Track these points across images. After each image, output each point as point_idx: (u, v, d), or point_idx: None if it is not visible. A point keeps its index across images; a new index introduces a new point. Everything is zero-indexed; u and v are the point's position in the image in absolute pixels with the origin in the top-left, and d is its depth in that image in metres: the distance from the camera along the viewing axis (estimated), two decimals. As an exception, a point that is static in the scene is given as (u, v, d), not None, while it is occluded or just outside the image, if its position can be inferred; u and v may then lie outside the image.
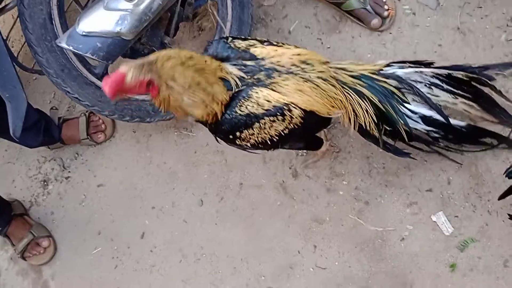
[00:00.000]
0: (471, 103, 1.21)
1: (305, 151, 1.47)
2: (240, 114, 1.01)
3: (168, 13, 1.33)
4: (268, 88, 1.01)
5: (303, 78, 1.03)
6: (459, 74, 1.17)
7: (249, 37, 1.12)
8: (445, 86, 1.18)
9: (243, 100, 1.00)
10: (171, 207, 1.61)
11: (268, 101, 1.00)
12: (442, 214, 1.32)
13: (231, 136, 1.06)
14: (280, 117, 1.02)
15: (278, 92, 1.01)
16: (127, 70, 0.88)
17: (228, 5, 1.49)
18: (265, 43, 1.07)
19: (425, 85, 1.17)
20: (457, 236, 1.31)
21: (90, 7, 1.17)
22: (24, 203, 1.84)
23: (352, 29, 1.51)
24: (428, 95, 1.17)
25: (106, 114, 1.43)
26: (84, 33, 1.14)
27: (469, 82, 1.18)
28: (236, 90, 1.01)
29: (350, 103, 1.10)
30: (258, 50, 1.05)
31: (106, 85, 0.86)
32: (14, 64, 1.25)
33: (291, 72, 1.03)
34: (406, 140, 1.20)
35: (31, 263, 1.74)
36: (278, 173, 1.50)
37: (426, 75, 1.17)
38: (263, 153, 1.52)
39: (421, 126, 1.19)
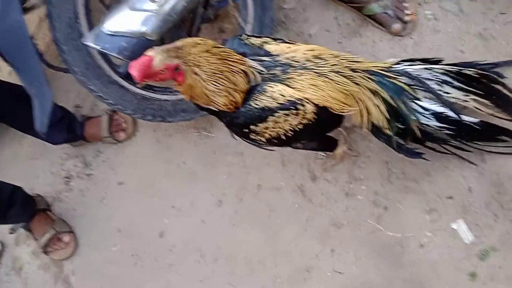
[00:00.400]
0: (482, 99, 1.18)
1: (323, 154, 1.47)
2: (255, 107, 1.02)
3: (191, 15, 1.36)
4: (284, 83, 1.03)
5: (317, 72, 1.04)
6: (469, 71, 1.15)
7: (263, 35, 1.14)
8: (456, 83, 1.16)
9: (258, 94, 1.02)
10: (190, 206, 1.62)
11: (282, 95, 1.02)
12: (463, 222, 1.30)
13: (246, 130, 1.08)
14: (294, 111, 1.03)
15: (293, 87, 1.03)
16: (155, 54, 0.89)
17: (250, 7, 1.50)
18: (278, 41, 1.10)
19: (436, 83, 1.16)
20: (477, 244, 1.29)
21: (115, 7, 1.20)
22: (47, 199, 1.88)
23: (373, 33, 1.50)
24: (440, 92, 1.16)
25: (128, 112, 1.46)
26: (110, 33, 1.17)
27: (479, 79, 1.16)
28: (253, 84, 1.02)
29: (362, 97, 1.09)
30: (273, 47, 1.08)
31: (133, 68, 0.88)
32: (40, 61, 1.28)
33: (306, 67, 1.05)
34: (419, 137, 1.18)
35: (52, 258, 1.77)
36: (296, 176, 1.50)
37: (436, 72, 1.16)
38: (282, 155, 1.52)
39: (433, 123, 1.17)
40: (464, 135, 1.21)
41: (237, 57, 1.00)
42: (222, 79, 0.97)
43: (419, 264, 1.30)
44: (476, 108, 1.19)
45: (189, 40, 0.96)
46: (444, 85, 1.16)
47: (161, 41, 1.31)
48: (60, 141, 1.74)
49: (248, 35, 1.12)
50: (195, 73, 0.95)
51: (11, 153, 2.04)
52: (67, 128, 1.71)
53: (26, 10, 1.28)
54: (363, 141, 1.43)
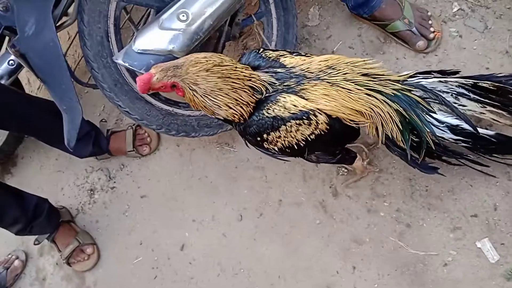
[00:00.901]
0: (499, 111, 1.16)
1: (346, 170, 1.47)
2: (267, 116, 1.05)
3: (217, 33, 1.39)
4: (298, 95, 1.04)
5: (329, 82, 1.05)
6: (485, 84, 1.14)
7: (279, 49, 1.16)
8: (472, 96, 1.15)
9: (270, 104, 1.05)
10: (211, 220, 1.64)
11: (294, 105, 1.04)
12: (488, 240, 1.28)
13: (258, 138, 1.10)
14: (306, 121, 1.05)
15: (306, 98, 1.05)
16: (155, 72, 0.98)
17: (274, 25, 1.53)
18: (294, 54, 1.12)
19: (451, 95, 1.15)
20: (503, 264, 1.26)
21: (145, 27, 1.23)
22: (71, 211, 1.92)
23: (396, 50, 1.51)
24: (455, 104, 1.15)
25: (154, 127, 1.49)
26: (139, 51, 1.21)
27: (496, 91, 1.14)
28: (266, 95, 1.05)
29: (375, 106, 1.08)
30: (288, 60, 1.10)
31: (138, 83, 0.99)
32: (71, 78, 1.33)
33: (319, 78, 1.06)
34: (434, 150, 1.17)
35: (75, 269, 1.81)
36: (318, 191, 1.50)
37: (451, 85, 1.15)
38: (303, 171, 1.53)
39: (449, 136, 1.16)
40: (481, 148, 1.20)
41: (244, 74, 1.03)
42: (221, 95, 1.02)
43: (443, 283, 1.28)
44: (493, 119, 1.17)
45: (191, 58, 1.01)
46: (460, 98, 1.15)
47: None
48: (86, 154, 1.79)
49: (265, 49, 1.15)
50: (193, 90, 1.01)
51: (38, 165, 2.09)
52: (93, 142, 1.75)
53: (57, 28, 1.33)
54: (386, 158, 1.43)
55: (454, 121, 1.15)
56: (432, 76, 1.16)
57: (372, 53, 1.54)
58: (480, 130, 1.15)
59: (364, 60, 1.11)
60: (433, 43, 1.44)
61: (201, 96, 1.02)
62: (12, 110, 1.47)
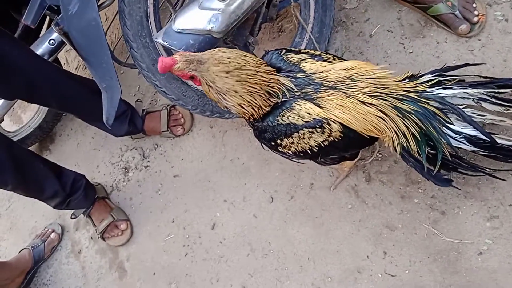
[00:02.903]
0: None
1: (380, 155, 1.46)
2: (281, 123, 1.07)
3: (255, 14, 1.38)
4: (313, 102, 1.05)
5: (346, 93, 1.05)
6: (505, 93, 1.11)
7: (302, 51, 1.14)
8: (494, 100, 1.13)
9: (286, 111, 1.06)
10: (242, 201, 1.66)
11: (308, 113, 1.05)
12: (526, 231, 1.25)
13: (273, 143, 1.13)
14: (319, 130, 1.06)
15: (322, 107, 1.05)
16: (179, 60, 0.99)
17: (311, 7, 1.51)
18: (316, 58, 1.11)
19: (472, 100, 1.13)
20: (541, 255, 1.23)
21: (185, 6, 1.24)
22: (106, 188, 1.98)
23: (437, 34, 1.47)
24: (474, 114, 1.14)
25: (189, 108, 1.50)
26: (179, 30, 1.22)
27: None
28: (282, 100, 1.06)
29: (392, 122, 1.09)
30: (308, 66, 1.09)
31: (159, 63, 1.00)
32: (111, 57, 1.35)
33: (336, 88, 1.06)
34: (450, 161, 1.17)
35: (109, 244, 1.87)
36: (350, 176, 1.49)
37: (470, 94, 1.13)
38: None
39: (466, 146, 1.15)
40: (500, 156, 1.18)
41: (263, 79, 1.04)
42: (235, 97, 1.03)
43: (477, 271, 1.26)
44: None
45: (216, 55, 1.01)
46: (481, 102, 1.14)
47: (224, 40, 1.36)
48: (121, 133, 1.83)
49: (288, 50, 1.14)
50: (209, 86, 1.03)
51: (75, 143, 2.16)
52: (128, 121, 1.79)
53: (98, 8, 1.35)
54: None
55: (472, 131, 1.13)
56: (452, 87, 1.13)
57: (412, 36, 1.50)
58: (498, 140, 1.13)
59: (383, 72, 1.10)
60: (476, 27, 1.39)
61: (215, 93, 1.04)
62: (55, 86, 1.52)
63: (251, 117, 1.08)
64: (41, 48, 1.69)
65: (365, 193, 1.46)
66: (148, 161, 1.92)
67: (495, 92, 1.13)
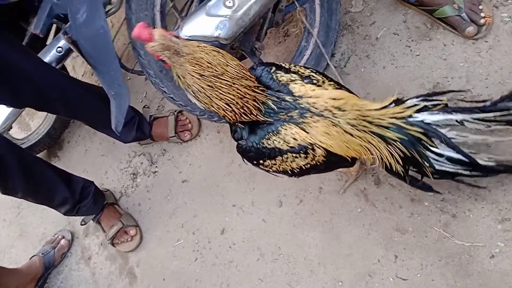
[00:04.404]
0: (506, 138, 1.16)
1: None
2: (266, 147, 1.07)
3: (261, 19, 1.39)
4: (299, 126, 1.05)
5: (332, 122, 1.05)
6: (491, 115, 1.11)
7: (292, 69, 1.11)
8: (477, 122, 1.14)
9: (271, 134, 1.05)
10: (251, 206, 1.66)
11: (294, 139, 1.05)
12: (537, 233, 1.25)
13: (255, 162, 1.14)
14: (303, 155, 1.07)
15: (307, 131, 1.05)
16: (157, 39, 0.93)
17: (317, 11, 1.52)
18: (306, 80, 1.09)
19: (456, 121, 1.14)
20: (553, 257, 1.23)
21: (193, 13, 1.25)
22: (115, 194, 1.99)
23: (444, 37, 1.46)
24: (457, 136, 1.14)
25: (197, 114, 1.51)
26: (186, 37, 1.23)
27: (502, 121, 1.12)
28: (267, 120, 1.05)
29: (376, 149, 1.11)
30: (297, 88, 1.07)
31: (136, 31, 0.94)
32: (119, 64, 1.36)
33: (323, 115, 1.05)
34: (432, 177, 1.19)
35: (119, 250, 1.88)
36: (359, 179, 1.49)
37: (456, 120, 1.13)
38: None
39: (449, 166, 1.16)
40: (480, 174, 1.20)
41: (237, 91, 0.99)
42: (204, 98, 1.00)
43: (489, 274, 1.26)
44: (498, 141, 1.18)
45: (196, 54, 0.95)
46: (464, 122, 1.14)
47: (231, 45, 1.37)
48: (129, 139, 1.84)
49: (278, 67, 1.11)
50: (178, 77, 0.99)
51: (83, 149, 2.17)
52: (136, 127, 1.80)
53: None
54: (430, 147, 1.40)
55: (454, 154, 1.14)
56: (438, 112, 1.13)
57: (418, 39, 1.50)
58: (481, 162, 1.15)
59: (370, 104, 1.11)
60: (483, 29, 1.39)
61: (182, 84, 1.00)
62: (64, 94, 1.53)
63: (226, 117, 1.06)
64: (48, 56, 1.70)
65: (375, 197, 1.45)
66: (156, 166, 1.92)
67: (479, 119, 1.13)
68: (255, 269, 1.58)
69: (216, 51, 0.99)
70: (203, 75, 0.96)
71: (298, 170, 1.12)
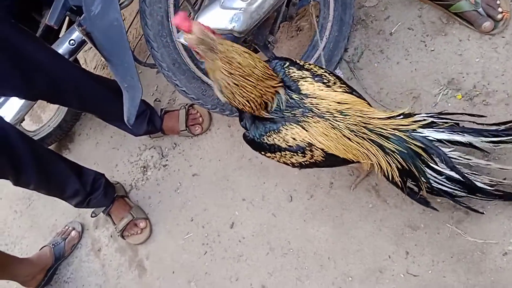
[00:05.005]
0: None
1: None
2: (266, 142, 1.15)
3: (275, 13, 1.38)
4: (299, 125, 1.09)
5: (332, 125, 1.08)
6: (494, 139, 1.11)
7: (306, 66, 1.15)
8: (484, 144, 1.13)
9: (272, 132, 1.12)
10: (261, 200, 1.66)
11: (293, 139, 1.10)
12: (551, 231, 1.23)
13: (258, 152, 1.23)
14: (300, 154, 1.13)
15: (306, 130, 1.09)
16: (195, 31, 0.97)
17: (331, 5, 1.51)
18: (316, 78, 1.12)
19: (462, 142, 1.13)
20: None
21: (207, 6, 1.25)
22: (125, 186, 2.00)
23: (459, 32, 1.45)
24: (460, 158, 1.14)
25: (209, 107, 1.51)
26: (200, 30, 1.22)
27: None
28: (271, 116, 1.11)
29: (374, 156, 1.12)
30: (305, 85, 1.12)
31: (177, 19, 0.97)
32: (132, 57, 1.36)
33: (324, 117, 1.08)
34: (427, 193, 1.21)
35: (128, 242, 1.88)
36: (371, 175, 1.49)
37: (461, 142, 1.13)
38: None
39: (446, 184, 1.17)
40: (481, 198, 1.21)
41: (259, 91, 1.06)
42: (228, 92, 1.07)
43: (502, 272, 1.25)
44: (500, 168, 1.17)
45: (230, 54, 1.00)
46: (469, 151, 1.16)
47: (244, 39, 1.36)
48: (140, 132, 1.84)
49: (292, 63, 1.15)
50: (209, 69, 1.05)
51: (94, 142, 2.18)
52: (147, 121, 1.81)
53: (118, 8, 1.36)
54: (443, 143, 1.39)
55: (455, 174, 1.14)
56: (444, 130, 1.12)
57: (433, 34, 1.48)
58: (480, 184, 1.16)
59: (375, 111, 1.12)
60: (500, 24, 1.37)
61: (212, 77, 1.07)
62: (77, 87, 1.53)
63: (244, 109, 1.11)
64: (61, 49, 1.71)
65: (386, 193, 1.45)
66: (167, 160, 1.93)
67: (487, 142, 1.13)
68: (265, 263, 1.58)
69: (247, 52, 1.04)
70: (232, 74, 1.02)
71: (298, 164, 1.18)
